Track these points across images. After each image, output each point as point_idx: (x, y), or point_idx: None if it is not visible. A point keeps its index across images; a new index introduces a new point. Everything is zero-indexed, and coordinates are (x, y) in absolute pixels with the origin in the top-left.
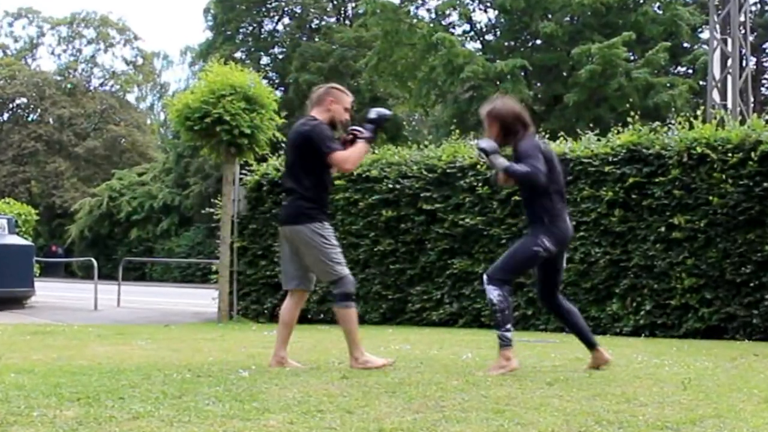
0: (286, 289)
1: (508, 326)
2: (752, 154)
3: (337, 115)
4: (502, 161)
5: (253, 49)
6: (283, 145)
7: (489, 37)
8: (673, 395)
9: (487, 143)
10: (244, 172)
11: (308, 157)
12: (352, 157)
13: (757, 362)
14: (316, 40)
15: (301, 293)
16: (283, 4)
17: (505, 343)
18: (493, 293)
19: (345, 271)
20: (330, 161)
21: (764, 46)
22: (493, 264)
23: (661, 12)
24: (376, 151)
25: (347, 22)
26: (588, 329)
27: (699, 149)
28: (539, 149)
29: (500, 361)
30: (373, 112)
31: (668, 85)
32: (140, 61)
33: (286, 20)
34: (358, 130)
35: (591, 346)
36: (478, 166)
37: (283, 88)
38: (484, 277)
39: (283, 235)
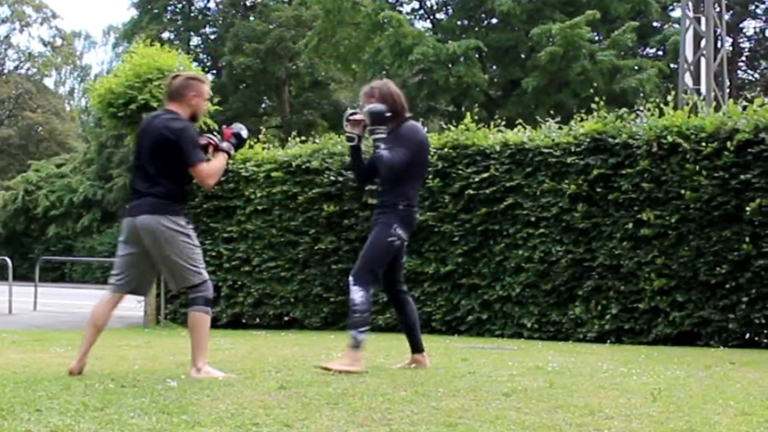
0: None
1: (365, 328)
2: (728, 144)
3: (199, 110)
4: (378, 135)
5: (182, 29)
6: (215, 133)
7: (440, 15)
8: (642, 407)
9: (376, 107)
10: None
11: (170, 160)
12: (214, 173)
13: (734, 371)
14: (252, 18)
15: (121, 297)
16: None
17: (356, 345)
18: (357, 293)
19: (206, 274)
20: (193, 173)
21: (741, 26)
22: (355, 265)
23: None
24: (317, 141)
25: None
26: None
27: (670, 138)
28: (419, 142)
29: (347, 359)
30: (244, 131)
31: (636, 68)
32: (59, 41)
33: None
34: (213, 139)
35: (415, 347)
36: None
37: (215, 72)
38: (349, 278)
39: (131, 231)
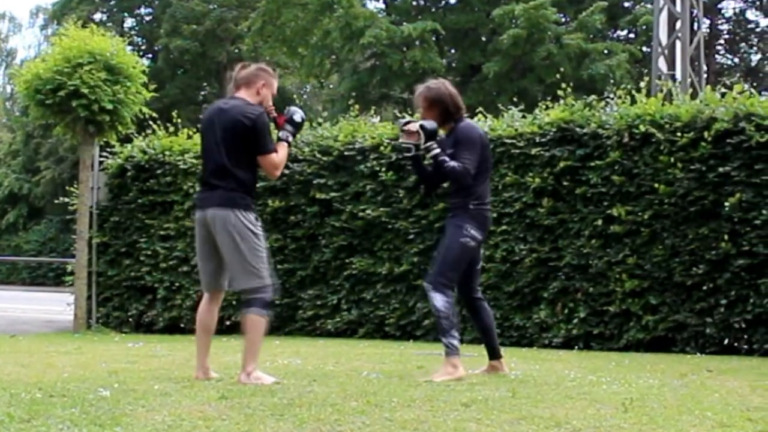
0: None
1: (454, 332)
2: (705, 134)
3: (266, 102)
4: (436, 150)
5: (115, 10)
6: (151, 122)
7: None
8: (612, 418)
9: (430, 124)
10: (104, 154)
11: (246, 150)
12: (281, 163)
13: (711, 379)
14: None
15: (218, 293)
16: None
17: (452, 351)
18: (438, 299)
19: (269, 278)
20: (263, 161)
21: (720, 6)
22: (430, 270)
23: None
24: None
25: None
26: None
27: (642, 128)
28: (480, 140)
29: (446, 368)
30: (297, 114)
31: (605, 52)
32: None
33: None
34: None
35: (493, 354)
36: (381, 148)
37: (151, 56)
38: (425, 284)
39: (202, 225)
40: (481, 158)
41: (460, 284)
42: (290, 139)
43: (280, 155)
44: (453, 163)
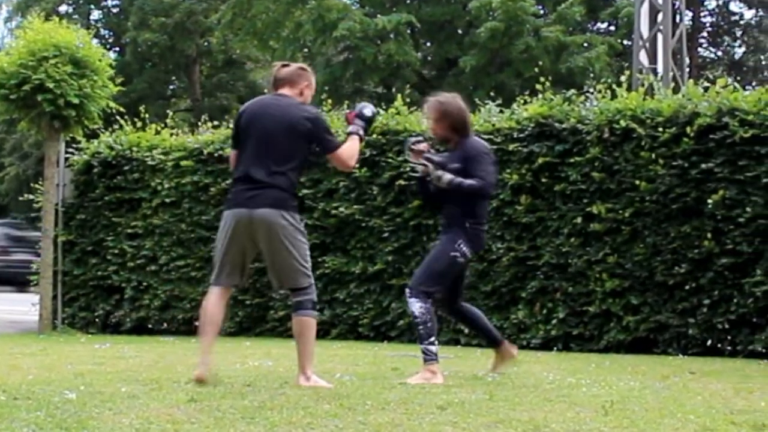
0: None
1: (432, 339)
2: (687, 129)
3: (307, 102)
4: (448, 177)
5: (81, 2)
6: (118, 118)
7: None
8: (592, 422)
9: (439, 158)
10: (70, 150)
11: (301, 150)
12: (354, 153)
13: (694, 381)
14: None
15: (229, 290)
16: None
17: (429, 358)
18: (415, 305)
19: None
20: (333, 158)
21: None
22: (414, 273)
23: None
24: (231, 126)
25: None
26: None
27: (623, 123)
28: (490, 155)
29: (424, 374)
30: (367, 109)
31: (585, 45)
32: None
33: None
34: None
35: (495, 343)
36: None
37: (118, 49)
38: (407, 289)
39: (243, 223)
40: None
41: (444, 300)
42: (361, 132)
43: (349, 149)
44: (470, 182)
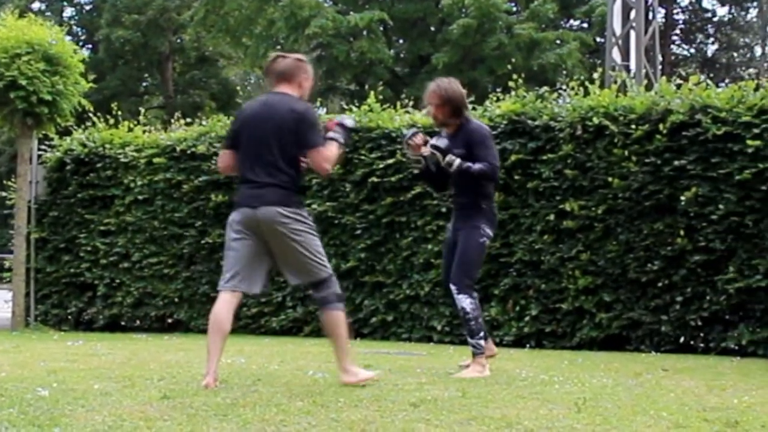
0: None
1: (482, 334)
2: (660, 126)
3: (306, 95)
4: (458, 162)
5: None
6: (91, 115)
7: None
8: (565, 419)
9: (443, 143)
10: (43, 147)
11: (296, 146)
12: (332, 157)
13: (666, 378)
14: None
15: (240, 296)
16: None
17: (479, 351)
18: (465, 301)
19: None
20: (312, 156)
21: None
22: (452, 271)
23: None
24: (204, 123)
25: None
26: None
27: (596, 120)
28: (492, 138)
29: (476, 367)
30: (349, 120)
31: (558, 42)
32: None
33: None
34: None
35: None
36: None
37: (91, 46)
38: (452, 287)
39: (248, 224)
40: None
41: (447, 278)
42: (340, 140)
43: (328, 150)
44: (479, 165)
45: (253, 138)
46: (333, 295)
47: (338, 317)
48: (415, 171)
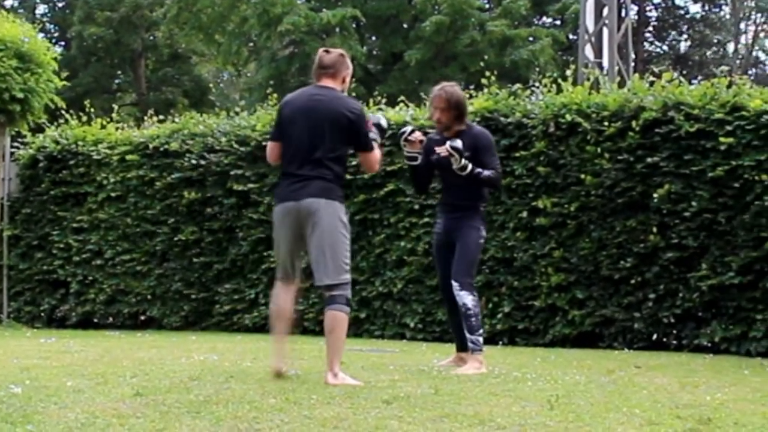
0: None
1: (481, 330)
2: (633, 123)
3: (346, 91)
4: (471, 166)
5: None
6: (63, 112)
7: None
8: (537, 416)
9: (460, 144)
10: (16, 145)
11: (345, 143)
12: (379, 160)
13: (639, 376)
14: None
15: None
16: None
17: (478, 348)
18: (467, 298)
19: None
20: (365, 157)
21: None
22: (453, 269)
23: None
24: (177, 120)
25: None
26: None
27: (569, 117)
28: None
29: (473, 363)
30: (383, 120)
31: (530, 39)
32: None
33: None
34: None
35: (464, 346)
36: None
37: (63, 44)
38: (454, 284)
39: (290, 216)
40: None
41: (444, 284)
42: (379, 141)
43: (377, 152)
44: (488, 173)
45: (304, 133)
46: (343, 297)
47: (342, 319)
48: (411, 164)
